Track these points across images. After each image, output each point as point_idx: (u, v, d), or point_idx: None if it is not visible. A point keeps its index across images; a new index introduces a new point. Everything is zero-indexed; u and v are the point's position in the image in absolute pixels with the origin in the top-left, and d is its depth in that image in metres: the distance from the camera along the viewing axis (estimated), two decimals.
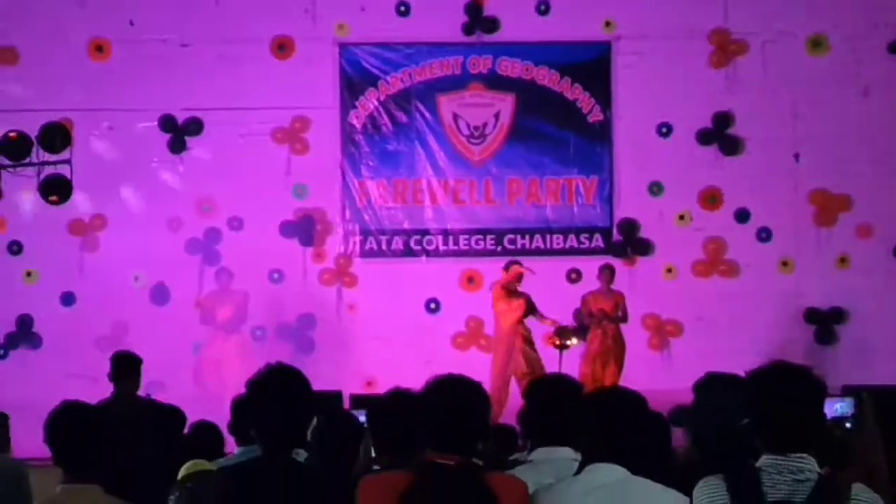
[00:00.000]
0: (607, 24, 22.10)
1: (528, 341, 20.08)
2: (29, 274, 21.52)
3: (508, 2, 22.23)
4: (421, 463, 6.75)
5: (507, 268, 20.69)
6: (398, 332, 20.09)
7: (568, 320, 20.77)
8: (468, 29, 22.25)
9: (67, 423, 7.63)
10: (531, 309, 20.37)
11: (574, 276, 21.61)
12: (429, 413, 6.97)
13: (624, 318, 20.59)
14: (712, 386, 7.93)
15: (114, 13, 21.73)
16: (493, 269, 21.61)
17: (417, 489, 6.53)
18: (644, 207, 22.28)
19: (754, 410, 6.42)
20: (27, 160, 19.76)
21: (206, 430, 11.52)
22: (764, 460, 6.08)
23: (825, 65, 22.02)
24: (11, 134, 19.55)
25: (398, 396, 8.03)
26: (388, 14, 22.06)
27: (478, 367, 13.03)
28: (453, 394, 6.96)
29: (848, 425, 13.55)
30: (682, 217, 22.16)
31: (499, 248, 22.09)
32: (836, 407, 14.31)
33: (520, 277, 20.36)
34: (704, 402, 8.06)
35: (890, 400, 14.16)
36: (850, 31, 22.00)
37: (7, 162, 19.80)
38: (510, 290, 20.30)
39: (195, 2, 21.63)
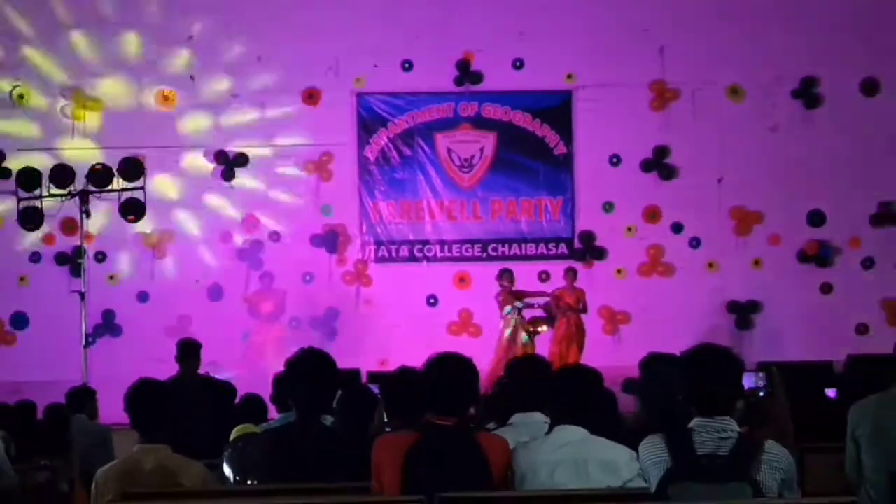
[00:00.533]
0: (569, 76, 22.10)
1: (531, 343, 20.17)
2: (111, 277, 21.58)
3: (490, 59, 22.21)
4: (423, 424, 7.00)
5: (500, 275, 20.76)
6: (405, 321, 20.24)
7: (539, 312, 20.85)
8: (459, 81, 22.30)
9: (142, 395, 7.92)
10: (520, 297, 20.49)
11: (544, 276, 21.61)
12: (429, 383, 7.19)
13: (584, 310, 20.63)
14: (654, 363, 8.13)
15: (185, 61, 21.69)
16: (480, 272, 21.90)
17: (421, 446, 6.73)
18: (599, 222, 22.27)
19: (687, 382, 6.60)
20: (109, 187, 19.74)
21: (253, 401, 11.68)
22: (695, 422, 6.33)
23: (741, 108, 22.03)
24: (97, 166, 19.76)
25: (405, 372, 8.10)
26: (395, 70, 22.06)
27: (468, 349, 12.97)
28: (448, 367, 7.16)
29: (761, 394, 13.45)
30: (629, 229, 22.16)
31: (484, 255, 22.12)
32: (752, 379, 14.22)
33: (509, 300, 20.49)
34: (648, 376, 8.25)
35: (794, 373, 14.15)
36: (761, 81, 21.98)
37: (93, 189, 19.75)
38: (512, 294, 20.39)
39: (243, 60, 21.63)
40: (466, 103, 22.37)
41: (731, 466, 6.16)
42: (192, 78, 21.72)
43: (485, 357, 18.94)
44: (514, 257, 21.90)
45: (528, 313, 20.77)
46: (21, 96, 21.57)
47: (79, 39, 21.61)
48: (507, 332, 20.34)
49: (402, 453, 6.66)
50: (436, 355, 7.33)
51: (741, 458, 6.19)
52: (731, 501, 6.11)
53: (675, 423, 6.69)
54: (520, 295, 20.68)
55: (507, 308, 20.49)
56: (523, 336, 20.27)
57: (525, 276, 21.21)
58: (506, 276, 20.80)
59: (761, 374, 14.34)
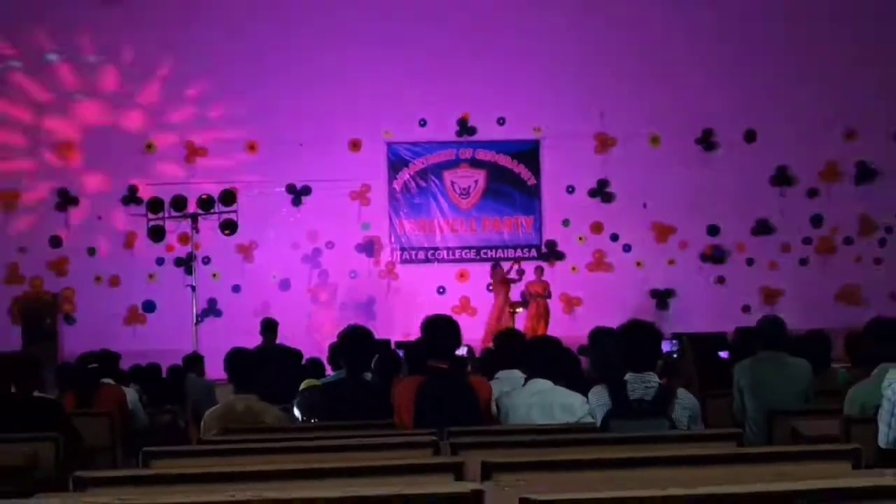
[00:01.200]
0: (537, 129, 21.97)
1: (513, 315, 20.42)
2: (214, 275, 21.43)
3: (482, 118, 22.01)
4: (426, 369, 6.98)
5: (494, 265, 20.95)
6: (421, 306, 19.50)
7: (517, 298, 20.88)
8: (459, 133, 22.16)
9: (236, 359, 8.18)
10: (508, 283, 20.57)
11: (518, 273, 21.05)
12: (425, 336, 7.17)
13: (549, 297, 20.67)
14: (599, 335, 8.31)
15: (266, 121, 21.53)
16: (475, 270, 21.86)
17: (426, 385, 6.79)
18: (559, 234, 22.16)
19: (622, 347, 6.69)
20: (212, 210, 19.92)
21: (314, 362, 11.99)
22: (628, 376, 6.37)
23: (659, 151, 21.86)
24: (203, 196, 19.84)
25: (420, 342, 7.70)
26: (414, 126, 21.94)
27: (466, 324, 12.66)
28: (436, 323, 7.14)
29: (675, 355, 13.53)
30: (580, 238, 22.03)
31: (477, 257, 21.90)
32: (668, 345, 14.20)
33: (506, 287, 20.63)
34: (595, 344, 8.38)
35: (699, 341, 13.98)
36: (673, 132, 21.84)
37: (201, 212, 19.93)
38: (503, 281, 20.50)
39: (304, 118, 21.24)
40: (464, 149, 22.20)
41: (653, 408, 6.23)
42: (270, 132, 21.56)
43: (478, 329, 19.25)
44: (499, 259, 21.49)
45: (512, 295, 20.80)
46: (149, 146, 21.63)
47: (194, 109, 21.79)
48: (499, 310, 20.62)
49: (413, 391, 6.70)
50: (427, 317, 7.29)
51: (661, 401, 6.24)
52: (653, 433, 5.96)
53: (613, 376, 6.64)
54: (506, 280, 20.89)
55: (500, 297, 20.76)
56: (507, 314, 20.55)
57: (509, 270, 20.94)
58: (497, 268, 20.85)
59: (675, 342, 14.51)
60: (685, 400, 6.36)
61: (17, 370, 8.44)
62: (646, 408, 6.24)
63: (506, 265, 21.07)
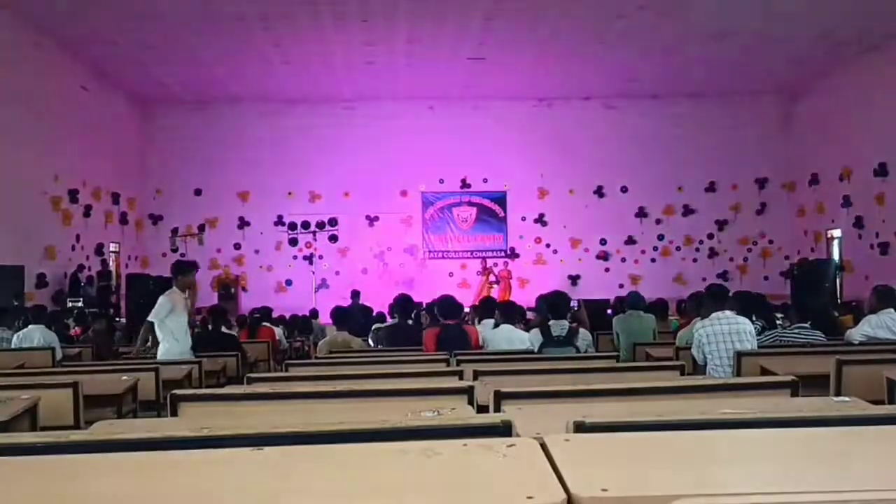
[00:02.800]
0: (506, 185, 21.77)
1: (490, 289, 20.11)
2: (325, 266, 21.26)
3: (474, 178, 21.80)
4: (441, 323, 6.86)
5: (483, 264, 20.81)
6: (440, 284, 19.70)
7: (493, 279, 20.65)
8: (461, 186, 21.91)
9: (336, 311, 8.22)
10: (488, 273, 20.44)
11: (494, 264, 21.09)
12: (440, 306, 7.07)
13: (511, 278, 20.60)
14: (540, 299, 7.85)
15: (355, 180, 21.40)
16: (470, 263, 21.56)
17: (442, 332, 6.64)
18: (517, 243, 21.88)
19: (548, 305, 6.57)
20: (324, 229, 20.00)
21: (380, 315, 11.70)
22: (551, 322, 6.28)
23: (573, 198, 21.71)
24: (319, 220, 19.88)
25: (434, 303, 7.69)
26: (437, 183, 21.74)
27: (464, 295, 12.60)
28: (447, 299, 7.14)
29: (576, 308, 13.56)
30: (529, 246, 21.80)
31: (471, 256, 21.61)
32: (574, 304, 14.23)
33: (489, 275, 20.50)
34: (539, 303, 7.94)
35: (593, 305, 13.94)
36: (581, 186, 21.71)
37: (317, 229, 20.00)
38: (485, 270, 20.43)
39: (380, 175, 21.17)
40: (464, 196, 21.97)
41: (566, 340, 6.19)
42: (357, 185, 21.78)
43: (470, 297, 19.26)
44: (485, 257, 21.32)
45: (483, 276, 20.73)
46: (290, 193, 21.62)
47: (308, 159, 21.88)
48: (483, 286, 20.59)
49: (435, 335, 6.61)
50: (442, 295, 7.37)
51: (570, 336, 6.23)
52: (566, 355, 5.88)
53: (544, 321, 6.55)
54: (488, 272, 20.91)
55: (483, 278, 20.73)
56: (487, 288, 20.54)
57: (488, 263, 21.10)
58: (483, 263, 20.86)
59: (576, 301, 14.53)
60: (583, 335, 6.40)
61: (212, 315, 8.52)
62: (562, 340, 6.18)
63: (489, 261, 21.09)
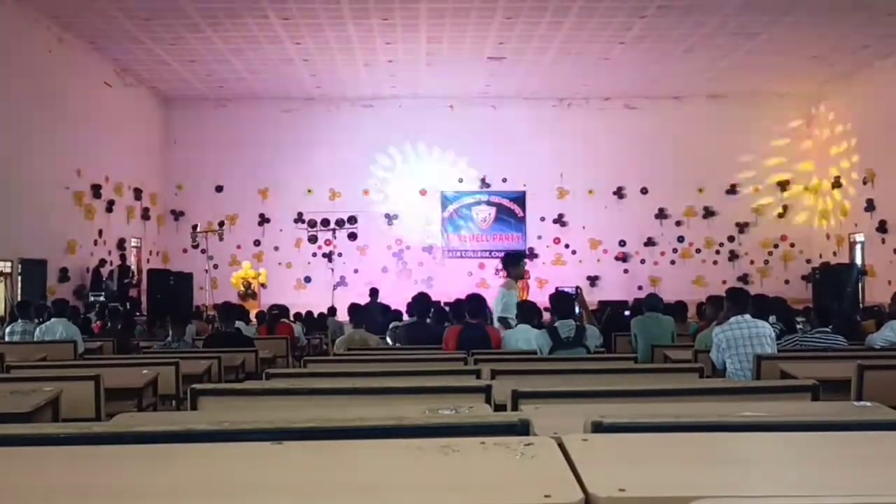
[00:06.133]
0: (524, 185, 21.67)
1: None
2: (344, 263, 21.25)
3: (494, 177, 21.76)
4: (464, 322, 6.90)
5: (503, 261, 20.59)
6: (458, 282, 19.78)
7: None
8: (481, 186, 21.88)
9: (354, 308, 8.17)
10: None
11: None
12: (466, 303, 7.12)
13: (529, 278, 20.10)
14: (555, 296, 7.87)
15: (374, 179, 21.49)
16: (489, 263, 21.28)
17: (463, 331, 6.66)
18: (535, 243, 21.81)
19: (552, 305, 6.48)
20: (343, 227, 20.04)
21: (398, 312, 11.61)
22: (558, 322, 6.15)
23: (593, 199, 21.69)
24: (339, 219, 19.91)
25: (459, 301, 7.79)
26: (456, 182, 21.72)
27: (484, 293, 12.55)
28: (473, 297, 7.17)
29: (574, 295, 13.43)
30: (547, 247, 21.78)
31: (490, 256, 21.28)
32: (571, 290, 14.04)
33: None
34: (552, 303, 7.97)
35: (612, 305, 13.87)
36: (601, 187, 21.69)
37: (337, 227, 20.04)
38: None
39: (399, 175, 21.21)
40: (483, 195, 21.94)
41: (575, 341, 6.02)
42: (376, 184, 21.68)
43: (489, 298, 19.27)
44: (500, 258, 21.32)
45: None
46: (309, 191, 21.71)
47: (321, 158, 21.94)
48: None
49: (456, 334, 6.64)
50: (470, 294, 7.50)
51: (578, 336, 6.04)
52: (577, 356, 5.82)
53: (552, 324, 6.48)
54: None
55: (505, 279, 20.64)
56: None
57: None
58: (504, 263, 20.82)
59: (574, 288, 14.63)
60: (592, 333, 6.25)
61: (222, 314, 8.50)
62: (571, 341, 6.08)
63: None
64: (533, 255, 21.81)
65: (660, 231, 21.87)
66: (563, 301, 6.58)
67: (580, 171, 21.62)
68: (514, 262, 8.03)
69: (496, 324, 7.55)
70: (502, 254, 21.49)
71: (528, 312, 7.38)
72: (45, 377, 4.59)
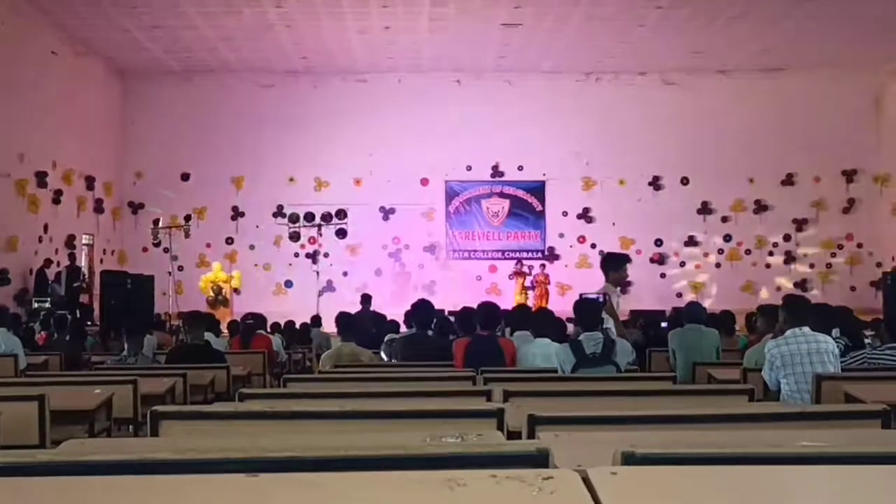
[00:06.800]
0: (544, 174, 21.80)
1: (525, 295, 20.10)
2: (331, 264, 21.33)
3: (507, 165, 21.91)
4: (474, 334, 6.93)
5: (519, 266, 20.81)
6: (466, 287, 19.87)
7: (529, 284, 20.59)
8: (492, 175, 22.04)
9: (342, 318, 8.12)
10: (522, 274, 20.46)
11: (529, 268, 21.03)
12: (478, 313, 7.08)
13: (549, 283, 20.54)
14: (579, 304, 7.82)
15: (366, 166, 21.59)
16: (501, 265, 21.67)
17: (472, 344, 6.70)
18: (556, 242, 21.97)
19: (578, 314, 6.42)
20: (331, 222, 20.07)
21: (395, 323, 11.56)
22: (582, 335, 6.11)
23: (625, 189, 21.79)
24: (325, 212, 19.91)
25: (466, 310, 7.70)
26: (463, 170, 21.84)
27: (493, 301, 12.54)
28: (485, 306, 7.22)
29: (601, 302, 13.38)
30: (570, 246, 21.87)
31: (503, 257, 21.71)
32: (597, 297, 14.07)
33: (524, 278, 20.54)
34: (576, 312, 7.92)
35: (648, 315, 13.90)
36: (634, 177, 21.79)
37: (323, 223, 20.06)
38: (519, 273, 20.41)
39: (395, 159, 21.29)
40: (496, 186, 22.09)
41: (603, 357, 6.00)
42: (370, 172, 21.74)
43: (502, 306, 19.24)
44: (517, 258, 21.30)
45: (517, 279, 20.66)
46: (291, 179, 21.79)
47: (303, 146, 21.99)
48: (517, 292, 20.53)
49: (464, 348, 6.65)
50: (482, 302, 7.45)
51: (606, 352, 5.99)
52: (604, 375, 5.77)
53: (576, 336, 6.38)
54: (522, 273, 20.88)
55: (517, 282, 20.69)
56: (521, 294, 20.42)
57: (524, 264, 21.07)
58: (518, 266, 20.84)
59: (601, 296, 14.63)
60: (622, 347, 6.20)
61: (188, 323, 8.48)
62: (598, 358, 6.02)
63: (524, 263, 21.15)
64: (553, 256, 21.90)
65: (703, 228, 21.93)
66: (588, 310, 6.53)
67: (609, 158, 21.66)
68: (615, 265, 8.00)
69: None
70: (518, 254, 22.12)
71: (545, 324, 7.36)
72: None
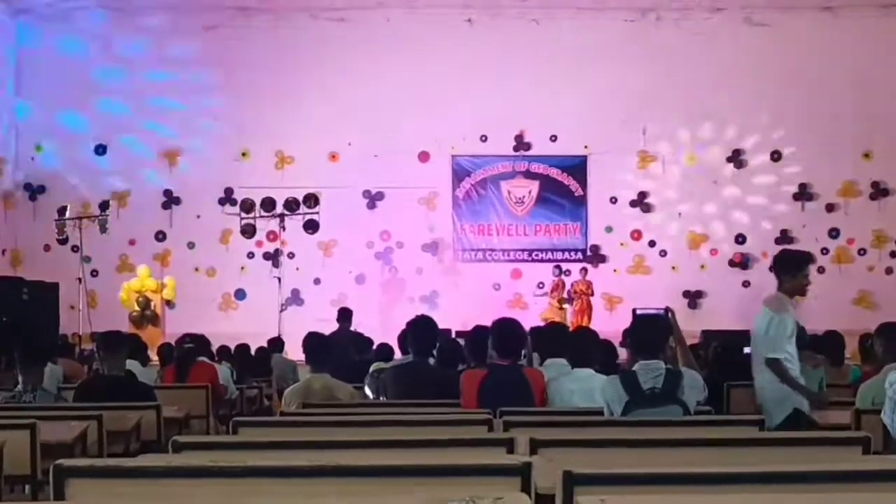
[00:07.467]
0: (585, 146, 21.88)
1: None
2: (297, 268, 21.46)
3: (536, 134, 21.99)
4: (490, 363, 6.98)
5: (555, 274, 20.98)
6: (479, 298, 19.84)
7: (565, 295, 20.68)
8: (515, 148, 22.15)
9: (312, 341, 8.14)
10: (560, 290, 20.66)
11: (567, 272, 21.15)
12: (494, 335, 7.09)
13: (592, 294, 20.63)
14: (635, 323, 7.63)
15: (345, 134, 21.70)
16: (527, 269, 21.85)
17: (489, 377, 6.73)
18: (602, 239, 22.10)
19: (632, 336, 6.52)
20: (298, 211, 20.04)
21: (384, 347, 11.52)
22: (637, 365, 6.10)
23: (695, 169, 21.93)
24: (290, 198, 19.86)
25: (479, 330, 7.70)
26: (476, 141, 21.90)
27: (517, 317, 12.61)
28: (505, 325, 7.23)
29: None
30: (622, 244, 22.00)
31: (529, 258, 21.90)
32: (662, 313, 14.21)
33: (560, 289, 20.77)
34: (631, 333, 7.88)
35: (724, 337, 13.78)
36: (707, 151, 21.89)
37: (287, 212, 20.04)
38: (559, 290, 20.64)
39: (384, 127, 21.33)
40: (520, 163, 22.18)
41: (665, 395, 5.97)
42: (349, 144, 21.73)
43: (528, 324, 19.26)
44: (548, 260, 21.56)
45: (556, 295, 20.67)
46: (244, 154, 21.91)
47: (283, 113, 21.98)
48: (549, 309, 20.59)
49: (477, 382, 6.66)
50: (498, 319, 7.39)
51: (670, 387, 5.96)
52: (667, 418, 5.75)
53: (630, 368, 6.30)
54: (560, 286, 20.87)
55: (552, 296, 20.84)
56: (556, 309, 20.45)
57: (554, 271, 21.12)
58: (556, 276, 20.96)
59: (664, 310, 14.62)
60: (692, 380, 6.17)
61: (104, 348, 8.46)
62: (657, 395, 6.07)
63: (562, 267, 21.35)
64: (598, 257, 22.00)
65: (801, 220, 21.98)
66: (646, 330, 6.53)
67: (674, 126, 21.81)
68: (793, 267, 7.76)
69: (759, 368, 7.48)
70: (551, 255, 22.10)
71: (588, 348, 7.38)
72: None
